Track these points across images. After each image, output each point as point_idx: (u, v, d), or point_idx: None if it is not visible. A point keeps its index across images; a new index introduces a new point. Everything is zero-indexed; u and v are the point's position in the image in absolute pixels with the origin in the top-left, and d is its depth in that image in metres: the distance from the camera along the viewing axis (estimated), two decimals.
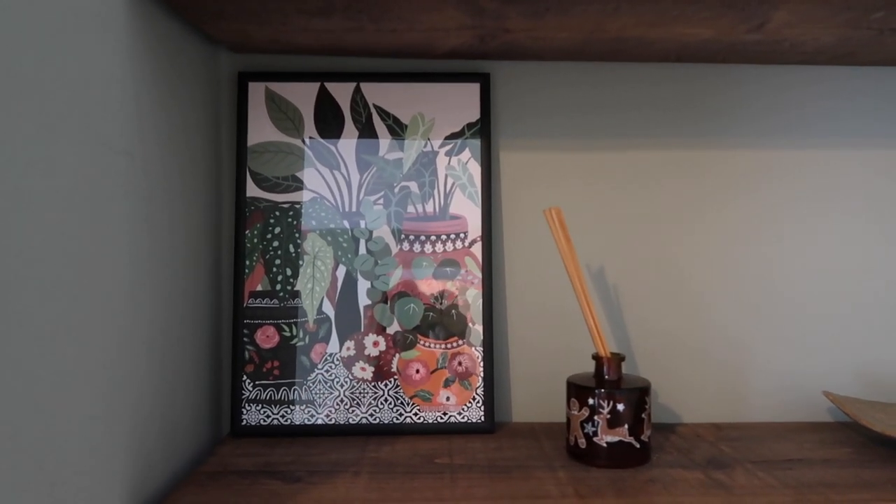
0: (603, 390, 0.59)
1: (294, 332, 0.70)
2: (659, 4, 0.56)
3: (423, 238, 0.72)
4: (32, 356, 0.38)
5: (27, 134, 0.38)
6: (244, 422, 0.68)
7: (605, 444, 0.59)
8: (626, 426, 0.59)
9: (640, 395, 0.60)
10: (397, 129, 0.73)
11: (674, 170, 0.75)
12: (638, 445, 0.59)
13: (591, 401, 0.59)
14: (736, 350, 0.75)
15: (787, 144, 0.75)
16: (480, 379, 0.70)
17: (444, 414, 0.70)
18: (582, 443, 0.60)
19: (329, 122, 0.72)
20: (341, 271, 0.71)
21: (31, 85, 0.38)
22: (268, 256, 0.71)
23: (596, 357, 0.62)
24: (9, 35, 0.36)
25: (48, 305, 0.40)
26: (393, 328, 0.71)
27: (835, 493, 0.53)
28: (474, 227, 0.72)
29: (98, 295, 0.46)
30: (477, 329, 0.71)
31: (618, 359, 0.62)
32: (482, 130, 0.73)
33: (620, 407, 0.59)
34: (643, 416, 0.60)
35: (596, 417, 0.59)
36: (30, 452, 0.38)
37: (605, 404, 0.59)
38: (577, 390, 0.61)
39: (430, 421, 0.69)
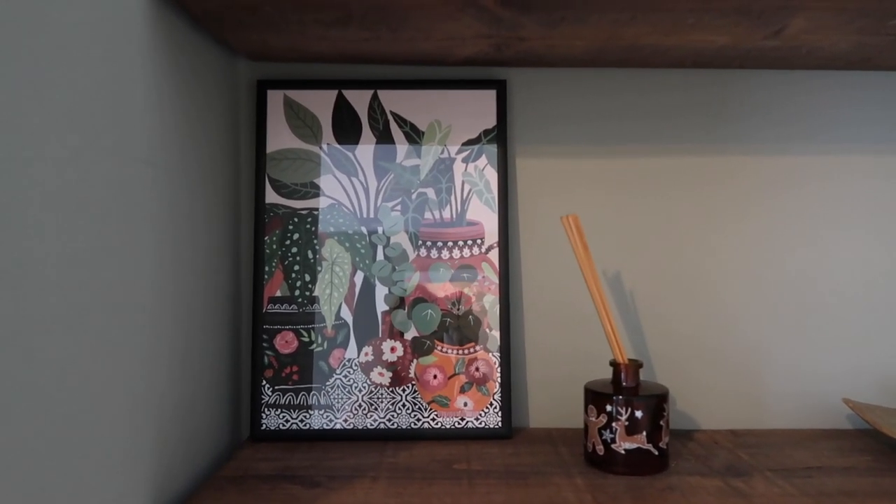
0: (621, 397, 0.59)
1: (313, 338, 0.71)
2: (675, 13, 0.56)
3: (440, 244, 0.72)
4: (59, 363, 0.39)
5: (52, 145, 0.39)
6: (263, 426, 0.69)
7: (623, 451, 0.59)
8: (645, 433, 0.59)
9: (658, 401, 0.60)
10: (414, 136, 0.73)
11: (690, 176, 0.75)
12: (656, 452, 0.59)
13: (609, 407, 0.60)
14: (754, 356, 0.75)
15: (804, 150, 0.75)
16: (497, 384, 0.70)
17: (462, 419, 0.70)
18: (600, 449, 0.60)
19: (346, 129, 0.73)
20: (359, 277, 0.71)
21: (57, 96, 0.39)
22: (286, 262, 0.71)
23: (613, 363, 0.63)
24: (34, 49, 0.37)
25: (74, 313, 0.40)
26: (410, 334, 0.71)
27: (854, 501, 0.53)
28: (491, 233, 0.72)
29: (122, 302, 0.46)
30: (494, 335, 0.71)
31: (635, 365, 0.62)
32: (498, 137, 0.73)
33: (639, 414, 0.59)
34: (661, 423, 0.60)
35: (614, 424, 0.59)
36: (54, 457, 0.39)
37: (623, 411, 0.59)
38: (595, 397, 0.61)
39: (448, 426, 0.70)
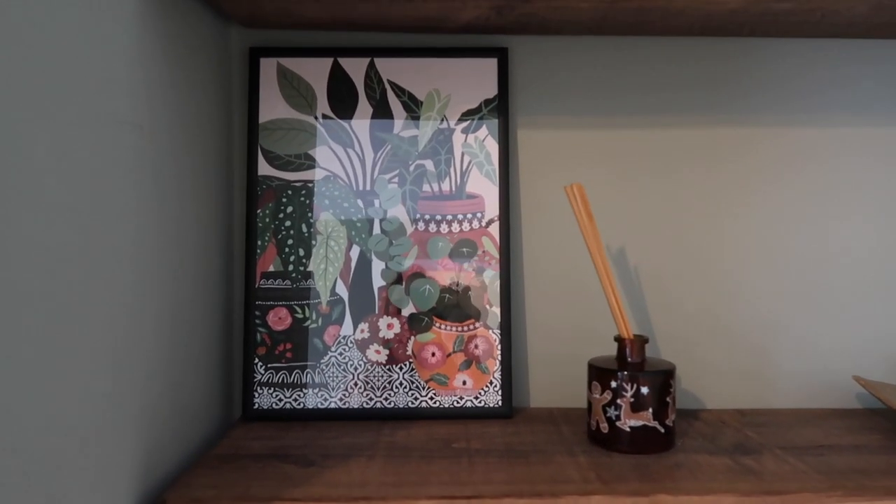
0: (626, 373, 0.57)
1: (307, 314, 0.68)
2: None
3: (438, 218, 0.70)
4: (36, 336, 0.37)
5: (28, 101, 0.36)
6: (256, 405, 0.67)
7: (628, 429, 0.57)
8: (651, 410, 0.57)
9: (664, 377, 0.58)
10: (412, 106, 0.70)
11: (698, 148, 0.73)
12: (662, 430, 0.57)
13: (613, 384, 0.58)
14: (761, 334, 0.73)
15: (816, 123, 0.73)
16: (498, 363, 0.68)
17: (461, 398, 0.68)
18: (604, 427, 0.58)
19: (342, 99, 0.70)
20: (355, 252, 0.69)
21: (35, 54, 0.37)
22: (280, 236, 0.69)
23: (618, 339, 0.60)
24: (12, 5, 0.35)
25: (51, 284, 0.38)
26: (408, 310, 0.69)
27: (868, 479, 0.51)
28: (491, 207, 0.70)
29: (106, 276, 0.44)
30: (494, 311, 0.69)
31: (641, 340, 0.60)
32: (500, 107, 0.71)
33: (644, 390, 0.57)
34: (668, 399, 0.58)
35: (619, 401, 0.57)
36: (33, 434, 0.37)
37: (628, 387, 0.57)
38: (599, 373, 0.59)
39: (446, 405, 0.68)
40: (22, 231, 0.35)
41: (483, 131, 0.71)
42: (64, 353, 0.39)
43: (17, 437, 0.35)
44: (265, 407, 0.67)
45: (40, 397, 0.37)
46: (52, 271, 0.38)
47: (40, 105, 0.37)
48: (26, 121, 0.36)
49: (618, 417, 0.57)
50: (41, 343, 0.37)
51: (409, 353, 0.68)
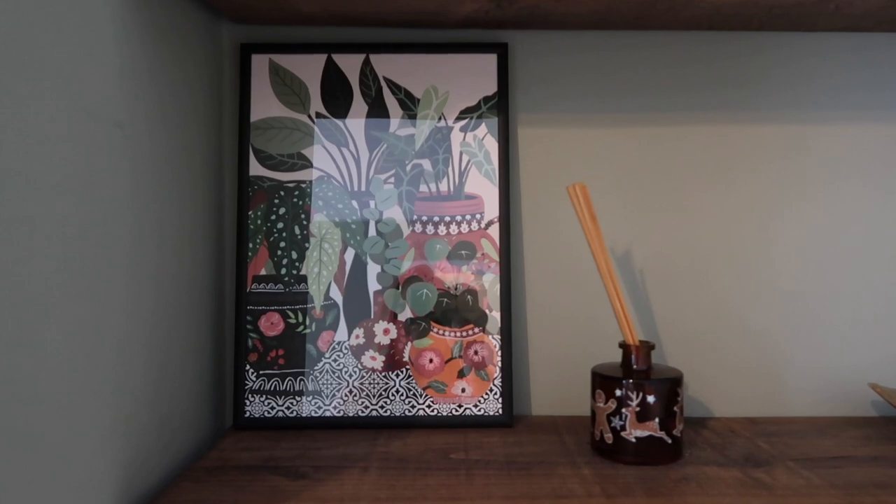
0: (631, 381, 0.55)
1: (300, 319, 0.66)
2: None
3: (436, 219, 0.67)
4: (10, 342, 0.34)
5: (11, 106, 0.34)
6: (247, 414, 0.65)
7: (633, 440, 0.54)
8: (657, 420, 0.54)
9: (671, 386, 0.55)
10: (409, 104, 0.68)
11: (705, 147, 0.70)
12: (669, 441, 0.55)
13: (618, 392, 0.55)
14: (772, 340, 0.70)
15: (827, 120, 0.70)
16: (498, 369, 0.66)
17: (460, 406, 0.65)
18: (608, 437, 0.56)
19: (337, 97, 0.68)
20: (350, 254, 0.67)
21: (16, 49, 0.34)
22: (272, 239, 0.67)
23: (623, 345, 0.58)
24: None
25: (27, 289, 0.36)
26: (405, 315, 0.66)
27: (887, 494, 0.48)
28: (491, 208, 0.67)
29: (91, 280, 0.42)
30: (494, 316, 0.66)
31: (647, 347, 0.57)
32: (499, 105, 0.68)
33: (650, 399, 0.54)
34: (675, 409, 0.55)
35: (624, 410, 0.55)
36: (5, 446, 0.34)
37: (633, 396, 0.54)
38: (604, 381, 0.56)
39: (445, 414, 0.65)
40: (5, 238, 0.33)
41: (482, 130, 0.68)
42: (40, 360, 0.37)
43: None
44: (257, 415, 0.65)
45: (13, 407, 0.35)
46: (28, 275, 0.36)
47: (11, 98, 0.35)
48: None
49: (623, 427, 0.55)
50: (15, 349, 0.35)
51: (406, 359, 0.66)
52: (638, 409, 0.54)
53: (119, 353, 0.47)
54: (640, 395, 0.54)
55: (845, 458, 0.56)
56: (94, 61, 0.43)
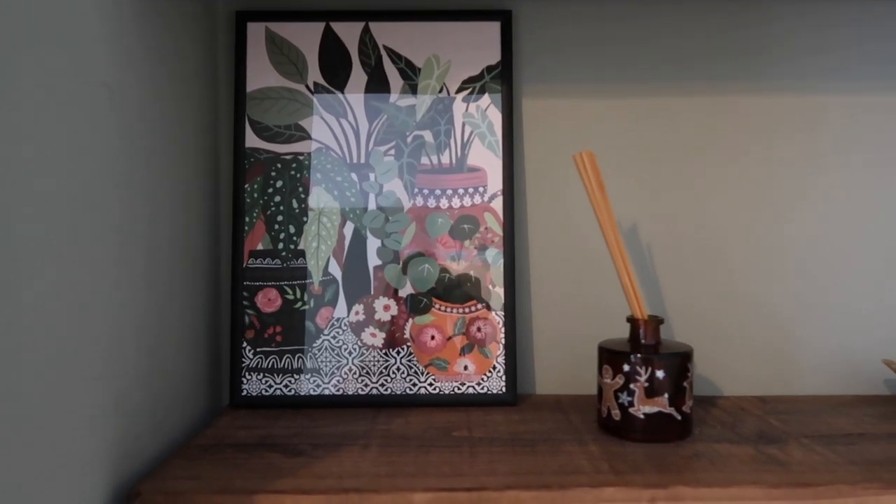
0: (639, 356, 0.53)
1: (298, 295, 0.64)
2: None
3: (438, 192, 0.65)
4: (16, 317, 0.33)
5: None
6: (244, 392, 0.63)
7: (642, 416, 0.53)
8: (666, 396, 0.53)
9: (681, 361, 0.53)
10: (410, 73, 0.66)
11: (714, 117, 0.68)
12: (679, 417, 0.53)
13: (626, 367, 0.53)
14: (783, 316, 0.69)
15: (841, 89, 0.68)
16: (501, 346, 0.64)
17: (462, 384, 0.64)
18: (616, 414, 0.54)
19: (335, 66, 0.66)
20: (349, 229, 0.65)
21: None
22: (269, 212, 0.65)
23: (631, 319, 0.56)
24: None
25: (15, 265, 0.34)
26: (406, 291, 0.65)
27: None
28: (494, 180, 0.65)
29: (80, 254, 0.40)
30: (497, 292, 0.64)
31: (655, 321, 0.55)
32: (503, 74, 0.66)
33: (659, 374, 0.52)
34: (685, 384, 0.53)
35: (632, 386, 0.53)
36: (15, 408, 0.32)
37: (642, 371, 0.53)
38: (611, 356, 0.54)
39: (447, 392, 0.64)
40: None
41: (485, 100, 0.66)
42: (26, 336, 0.35)
43: None
44: (254, 394, 0.63)
45: (1, 385, 0.33)
46: (12, 247, 0.34)
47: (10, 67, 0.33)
48: None
49: (631, 403, 0.53)
50: (3, 325, 0.33)
51: (407, 336, 0.64)
52: (647, 384, 0.53)
53: (110, 329, 0.45)
54: (649, 370, 0.53)
55: (861, 436, 0.54)
56: (81, 21, 0.41)
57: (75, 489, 0.41)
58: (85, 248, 0.42)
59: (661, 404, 0.53)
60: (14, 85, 0.35)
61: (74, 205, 0.41)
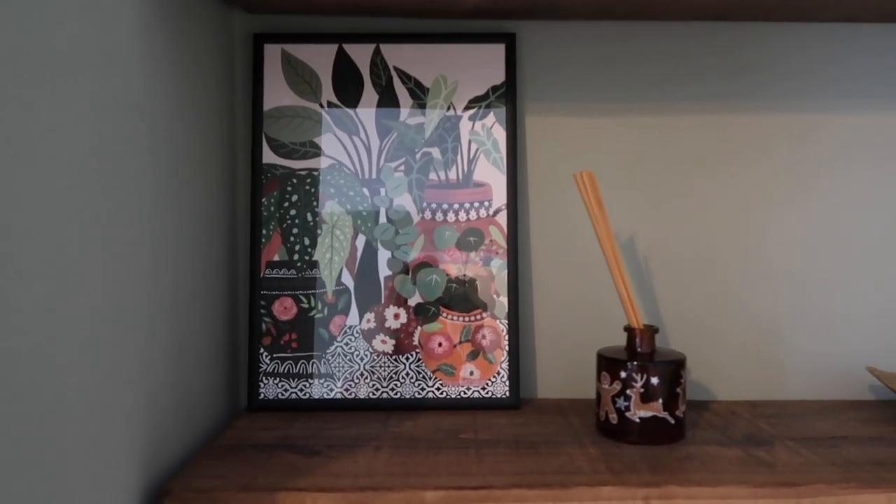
0: (636, 363, 0.56)
1: (312, 304, 0.68)
2: None
3: (445, 206, 0.69)
4: (40, 327, 0.36)
5: (26, 84, 0.35)
6: (261, 395, 0.66)
7: (637, 420, 0.56)
8: (661, 401, 0.56)
9: (674, 368, 0.57)
10: (419, 93, 0.69)
11: (711, 136, 0.72)
12: (672, 421, 0.56)
13: (623, 374, 0.57)
14: (773, 324, 0.72)
15: (830, 109, 0.71)
16: (505, 353, 0.68)
17: (468, 389, 0.67)
18: (613, 418, 0.57)
19: (348, 86, 0.69)
20: (361, 241, 0.68)
21: (44, 39, 0.36)
22: (285, 225, 0.68)
23: (628, 328, 0.59)
24: None
25: (51, 275, 0.37)
26: (414, 300, 0.68)
27: (884, 470, 0.50)
28: (499, 195, 0.69)
29: (103, 264, 0.43)
30: (502, 301, 0.68)
31: (651, 330, 0.59)
32: (507, 94, 0.70)
33: (654, 380, 0.56)
34: (678, 390, 0.57)
35: (628, 391, 0.56)
36: (39, 424, 0.36)
37: (638, 378, 0.56)
38: (609, 363, 0.58)
39: (453, 396, 0.67)
40: (26, 221, 0.35)
41: (490, 118, 0.69)
42: (67, 344, 0.38)
43: (23, 428, 0.34)
44: (270, 397, 0.66)
45: (44, 388, 0.36)
46: (52, 263, 0.37)
47: (39, 84, 0.36)
48: (27, 102, 0.35)
49: (627, 408, 0.56)
50: (45, 334, 0.36)
51: (416, 343, 0.68)
52: (642, 390, 0.56)
53: (142, 337, 0.48)
54: (644, 376, 0.56)
55: (843, 438, 0.58)
56: (117, 48, 0.45)
57: (112, 487, 0.44)
58: (122, 263, 0.45)
59: (655, 409, 0.56)
60: (60, 111, 0.38)
61: (112, 224, 0.44)
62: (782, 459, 0.52)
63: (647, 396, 0.56)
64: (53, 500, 0.37)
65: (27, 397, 0.35)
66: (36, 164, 0.36)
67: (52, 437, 0.37)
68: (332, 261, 0.68)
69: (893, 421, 0.63)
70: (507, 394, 0.67)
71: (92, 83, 0.41)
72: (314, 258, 0.68)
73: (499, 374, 0.67)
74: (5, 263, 0.33)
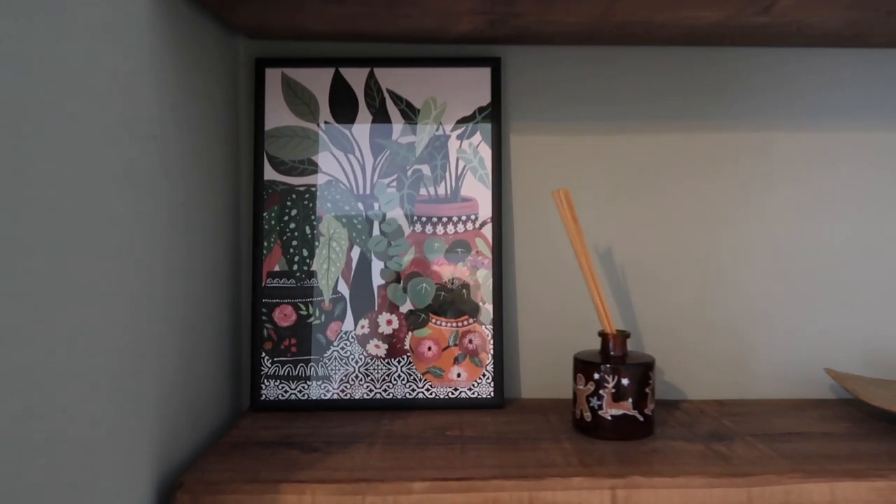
0: (608, 366, 0.61)
1: (310, 311, 0.73)
2: None
3: (434, 220, 0.74)
4: (67, 335, 0.41)
5: (60, 117, 0.40)
6: (263, 397, 0.71)
7: (609, 418, 0.61)
8: (631, 400, 0.61)
9: (644, 370, 0.62)
10: (410, 114, 0.74)
11: (684, 153, 0.77)
12: (641, 419, 0.62)
13: (596, 376, 0.62)
14: (740, 330, 0.77)
15: (794, 128, 0.77)
16: (490, 356, 0.73)
17: (455, 390, 0.72)
18: (587, 416, 0.62)
19: (343, 107, 0.74)
20: (356, 252, 0.73)
21: (66, 69, 0.41)
22: (285, 238, 0.73)
23: (602, 334, 0.65)
24: (34, 20, 0.39)
25: (79, 285, 0.42)
26: (406, 307, 0.73)
27: (830, 462, 0.55)
28: (485, 209, 0.74)
29: (126, 273, 0.48)
30: (487, 308, 0.73)
31: (623, 335, 0.64)
32: (493, 114, 0.75)
33: (625, 382, 0.61)
34: (647, 390, 0.62)
35: (601, 391, 0.61)
36: (63, 422, 0.41)
37: (610, 379, 0.61)
38: (584, 366, 0.63)
39: (442, 396, 0.72)
40: (48, 234, 0.39)
41: (477, 137, 0.74)
42: (89, 350, 0.43)
43: (50, 425, 0.39)
44: (272, 398, 0.71)
45: (70, 389, 0.41)
46: (79, 272, 0.42)
47: (63, 113, 0.41)
48: (48, 126, 0.40)
49: (600, 407, 0.62)
50: (71, 341, 0.41)
51: (407, 347, 0.73)
52: (614, 390, 0.61)
53: (156, 344, 0.53)
54: (616, 378, 0.61)
55: (799, 434, 0.63)
56: (137, 80, 0.50)
57: (130, 480, 0.49)
58: (140, 279, 0.50)
59: (626, 407, 0.61)
60: (87, 136, 0.43)
61: (133, 244, 0.49)
62: (739, 453, 0.58)
63: (618, 396, 0.61)
64: (80, 491, 0.42)
65: (59, 399, 0.40)
66: (71, 184, 0.41)
67: (78, 435, 0.42)
68: (329, 271, 0.73)
69: (847, 418, 0.68)
70: (492, 394, 0.72)
71: (116, 114, 0.46)
72: (312, 268, 0.73)
73: (484, 375, 0.72)
74: (48, 282, 0.38)
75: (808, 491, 0.52)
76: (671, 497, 0.52)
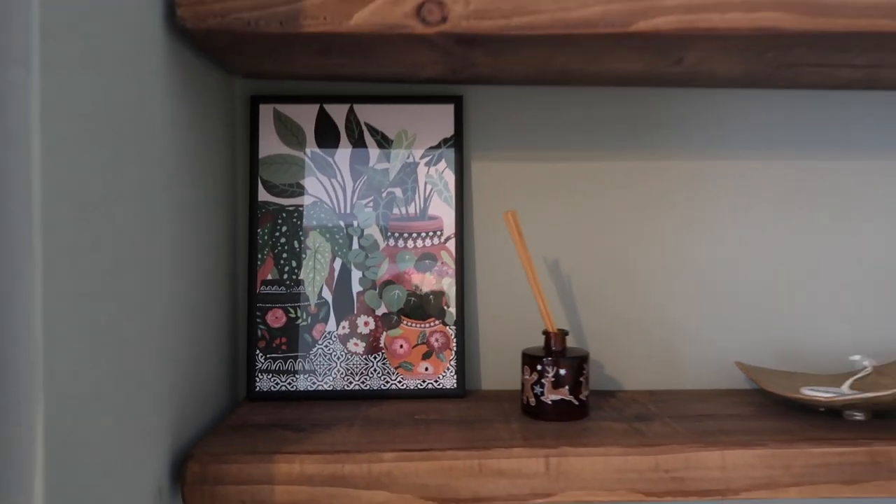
0: (549, 358, 0.73)
1: (298, 314, 0.84)
2: (591, 48, 0.69)
3: (406, 235, 0.85)
4: (95, 331, 0.52)
5: (96, 152, 0.52)
6: (258, 388, 0.82)
7: (550, 402, 0.73)
8: (567, 387, 0.73)
9: (579, 362, 0.74)
10: (384, 143, 0.86)
11: (619, 178, 0.89)
12: (577, 403, 0.73)
13: (539, 367, 0.74)
14: (671, 330, 0.90)
15: (711, 156, 0.89)
16: (453, 353, 0.84)
17: (423, 381, 0.84)
18: (532, 401, 0.74)
19: (327, 137, 0.86)
20: (338, 263, 0.85)
21: (89, 105, 0.52)
22: (276, 251, 0.84)
23: (545, 332, 0.77)
24: (67, 69, 0.50)
25: (108, 288, 0.53)
26: (381, 311, 0.85)
27: (726, 436, 0.67)
28: (449, 226, 0.86)
29: (147, 282, 0.59)
30: (451, 311, 0.85)
31: (562, 333, 0.76)
32: (456, 144, 0.87)
33: (563, 372, 0.73)
34: (581, 379, 0.74)
35: (543, 380, 0.73)
36: (94, 406, 0.52)
37: (550, 369, 0.73)
38: (529, 359, 0.75)
39: (412, 387, 0.84)
40: (77, 243, 0.51)
41: (442, 164, 0.86)
42: (114, 346, 0.55)
43: (94, 408, 0.50)
44: (265, 389, 0.83)
45: (108, 382, 0.52)
46: (109, 277, 0.53)
47: (100, 149, 0.52)
48: (72, 151, 0.51)
49: (542, 393, 0.73)
50: (109, 344, 0.52)
51: (382, 345, 0.84)
52: (553, 379, 0.73)
53: (167, 340, 0.64)
54: (556, 368, 0.73)
55: (709, 416, 0.75)
56: (149, 118, 0.61)
57: (148, 454, 0.59)
58: (153, 285, 0.61)
59: (563, 393, 0.73)
60: (113, 174, 0.55)
61: (148, 256, 0.60)
62: (655, 430, 0.70)
63: (557, 384, 0.73)
64: (108, 464, 0.53)
65: (102, 388, 0.51)
66: (92, 200, 0.52)
67: (113, 417, 0.53)
68: (315, 279, 0.85)
69: (754, 404, 0.80)
70: (455, 385, 0.84)
71: (137, 151, 0.58)
72: (300, 277, 0.84)
73: (448, 369, 0.84)
74: (73, 286, 0.50)
75: (703, 458, 0.64)
76: (594, 463, 0.64)
